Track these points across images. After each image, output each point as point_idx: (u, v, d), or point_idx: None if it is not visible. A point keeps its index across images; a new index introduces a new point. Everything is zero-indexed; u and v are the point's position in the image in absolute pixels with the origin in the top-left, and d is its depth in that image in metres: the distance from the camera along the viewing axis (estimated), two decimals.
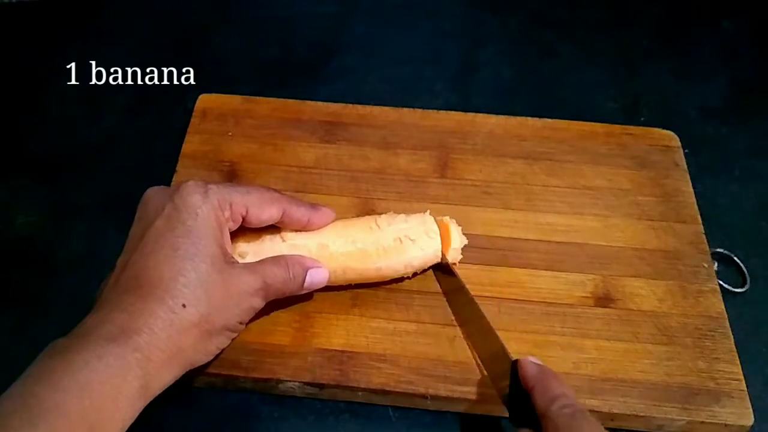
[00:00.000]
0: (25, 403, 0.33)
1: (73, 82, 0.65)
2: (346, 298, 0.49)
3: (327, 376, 0.46)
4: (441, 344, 0.47)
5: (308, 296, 0.48)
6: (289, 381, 0.46)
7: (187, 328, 0.38)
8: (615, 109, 0.65)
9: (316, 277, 0.45)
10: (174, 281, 0.38)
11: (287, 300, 0.47)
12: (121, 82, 0.65)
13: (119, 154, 0.60)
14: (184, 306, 0.37)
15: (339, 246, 0.46)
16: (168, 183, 0.55)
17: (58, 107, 0.63)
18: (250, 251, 0.45)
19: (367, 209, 0.54)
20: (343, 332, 0.48)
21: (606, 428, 0.45)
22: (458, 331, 0.48)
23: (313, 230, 0.47)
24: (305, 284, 0.44)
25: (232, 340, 0.43)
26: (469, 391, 0.45)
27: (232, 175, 0.56)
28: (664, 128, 0.59)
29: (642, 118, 0.63)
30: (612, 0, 0.75)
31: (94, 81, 0.65)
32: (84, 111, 0.63)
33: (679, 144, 0.58)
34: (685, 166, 0.57)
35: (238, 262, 0.42)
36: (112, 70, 0.66)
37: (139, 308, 0.37)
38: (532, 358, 0.42)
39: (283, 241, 0.46)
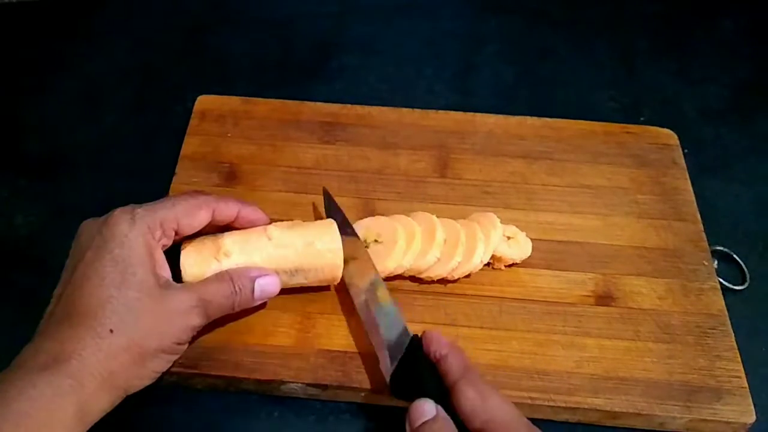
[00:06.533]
0: None
1: (73, 81, 0.65)
2: (347, 299, 0.49)
3: (329, 377, 0.45)
4: None
5: (262, 305, 0.47)
6: (292, 382, 0.45)
7: (117, 353, 0.38)
8: (615, 109, 0.65)
9: (267, 287, 0.45)
10: (102, 309, 0.39)
11: (287, 302, 0.48)
12: (121, 82, 0.65)
13: (119, 154, 0.60)
14: (111, 331, 0.38)
15: (326, 243, 0.46)
16: (168, 183, 0.55)
17: (57, 107, 0.63)
18: (236, 250, 0.45)
19: (367, 209, 0.54)
20: (344, 333, 0.47)
21: (608, 426, 0.46)
22: (459, 330, 0.48)
23: (244, 225, 0.46)
24: (256, 294, 0.44)
25: (173, 362, 0.43)
26: None
27: (231, 177, 0.56)
28: (663, 128, 0.60)
29: (642, 118, 0.63)
30: (612, 0, 0.75)
31: (93, 81, 0.65)
32: (84, 111, 0.63)
33: (678, 142, 0.59)
34: (684, 165, 0.57)
35: (172, 284, 0.42)
36: (112, 70, 0.66)
37: (69, 336, 0.38)
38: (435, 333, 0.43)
39: (269, 239, 0.46)
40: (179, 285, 0.43)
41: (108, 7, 0.72)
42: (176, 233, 0.44)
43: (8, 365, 0.37)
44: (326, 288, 0.49)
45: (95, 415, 0.38)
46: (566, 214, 0.54)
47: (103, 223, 0.42)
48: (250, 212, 0.46)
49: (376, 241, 0.49)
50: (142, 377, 0.41)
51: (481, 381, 0.40)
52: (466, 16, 0.73)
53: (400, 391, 0.42)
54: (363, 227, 0.50)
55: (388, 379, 0.43)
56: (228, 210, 0.45)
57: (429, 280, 0.49)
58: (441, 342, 0.42)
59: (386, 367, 0.43)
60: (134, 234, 0.41)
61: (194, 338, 0.44)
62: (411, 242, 0.48)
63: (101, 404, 0.38)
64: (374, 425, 0.46)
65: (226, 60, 0.68)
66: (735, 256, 0.54)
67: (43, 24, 0.70)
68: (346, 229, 0.48)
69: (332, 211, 0.51)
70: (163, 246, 0.43)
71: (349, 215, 0.51)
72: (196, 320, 0.42)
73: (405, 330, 0.44)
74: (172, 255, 0.44)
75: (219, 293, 0.43)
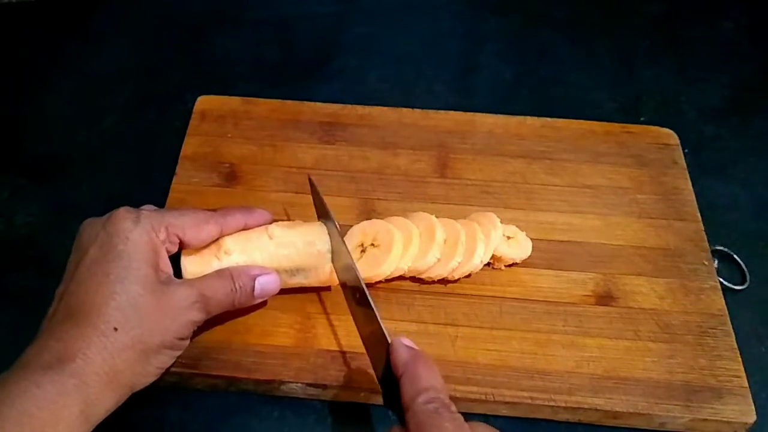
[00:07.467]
0: None
1: (73, 82, 0.65)
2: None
3: (329, 376, 0.45)
4: (443, 344, 0.47)
5: (262, 304, 0.48)
6: (292, 382, 0.45)
7: (121, 351, 0.38)
8: (615, 109, 0.65)
9: (267, 285, 0.45)
10: (105, 306, 0.39)
11: (286, 302, 0.48)
12: (121, 82, 0.65)
13: (119, 154, 0.60)
14: (115, 329, 0.38)
15: (327, 243, 0.46)
16: (168, 183, 0.55)
17: (58, 107, 0.63)
18: (237, 249, 0.45)
19: (367, 210, 0.54)
20: (344, 333, 0.47)
21: (608, 426, 0.46)
22: (460, 330, 0.48)
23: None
24: (256, 293, 0.45)
25: (176, 358, 0.43)
26: (471, 391, 0.45)
27: (231, 177, 0.56)
28: (663, 128, 0.60)
29: (642, 118, 0.63)
30: (612, 0, 0.75)
31: (94, 81, 0.65)
32: (84, 111, 0.63)
33: (678, 142, 0.59)
34: (684, 164, 0.57)
35: (174, 279, 0.43)
36: (112, 70, 0.66)
37: (73, 335, 0.38)
38: (405, 340, 0.38)
39: (270, 238, 0.46)
40: (180, 281, 0.43)
41: (108, 7, 0.72)
42: (182, 243, 0.44)
43: (8, 365, 0.37)
44: (326, 288, 0.49)
45: (101, 414, 0.38)
46: (566, 214, 0.54)
47: (107, 220, 0.42)
48: (257, 219, 0.47)
49: (372, 245, 0.49)
50: (147, 374, 0.41)
51: (428, 414, 0.34)
52: (466, 15, 0.73)
53: (388, 402, 0.39)
54: (359, 231, 0.49)
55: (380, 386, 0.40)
56: (235, 222, 0.46)
57: (429, 280, 0.49)
58: (397, 361, 0.37)
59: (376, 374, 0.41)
60: (138, 231, 0.41)
61: (195, 334, 0.44)
62: (408, 246, 0.48)
63: (106, 403, 0.38)
64: (374, 425, 0.46)
65: (226, 60, 0.68)
66: (735, 256, 0.54)
67: (43, 24, 0.70)
68: (327, 222, 0.47)
69: (316, 201, 0.50)
70: (168, 251, 0.43)
71: (348, 215, 0.51)
72: (197, 315, 0.42)
73: (382, 335, 0.39)
74: (173, 255, 0.44)
75: (219, 290, 0.43)
